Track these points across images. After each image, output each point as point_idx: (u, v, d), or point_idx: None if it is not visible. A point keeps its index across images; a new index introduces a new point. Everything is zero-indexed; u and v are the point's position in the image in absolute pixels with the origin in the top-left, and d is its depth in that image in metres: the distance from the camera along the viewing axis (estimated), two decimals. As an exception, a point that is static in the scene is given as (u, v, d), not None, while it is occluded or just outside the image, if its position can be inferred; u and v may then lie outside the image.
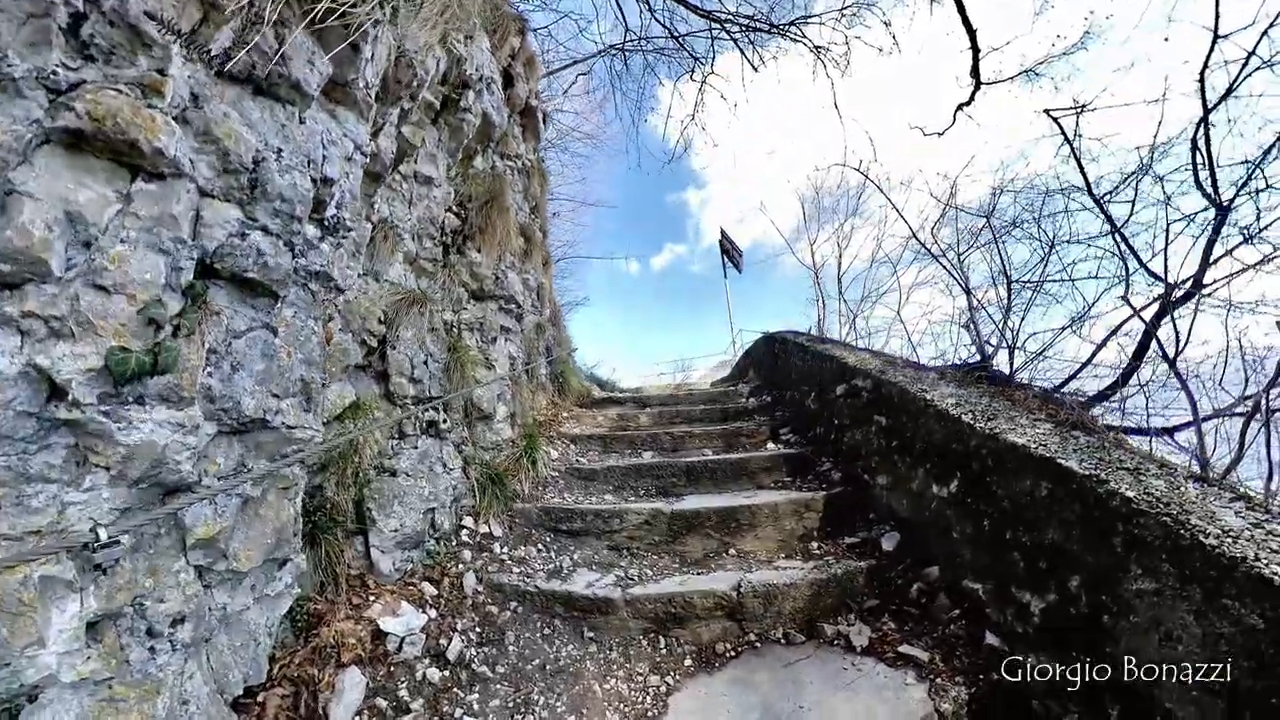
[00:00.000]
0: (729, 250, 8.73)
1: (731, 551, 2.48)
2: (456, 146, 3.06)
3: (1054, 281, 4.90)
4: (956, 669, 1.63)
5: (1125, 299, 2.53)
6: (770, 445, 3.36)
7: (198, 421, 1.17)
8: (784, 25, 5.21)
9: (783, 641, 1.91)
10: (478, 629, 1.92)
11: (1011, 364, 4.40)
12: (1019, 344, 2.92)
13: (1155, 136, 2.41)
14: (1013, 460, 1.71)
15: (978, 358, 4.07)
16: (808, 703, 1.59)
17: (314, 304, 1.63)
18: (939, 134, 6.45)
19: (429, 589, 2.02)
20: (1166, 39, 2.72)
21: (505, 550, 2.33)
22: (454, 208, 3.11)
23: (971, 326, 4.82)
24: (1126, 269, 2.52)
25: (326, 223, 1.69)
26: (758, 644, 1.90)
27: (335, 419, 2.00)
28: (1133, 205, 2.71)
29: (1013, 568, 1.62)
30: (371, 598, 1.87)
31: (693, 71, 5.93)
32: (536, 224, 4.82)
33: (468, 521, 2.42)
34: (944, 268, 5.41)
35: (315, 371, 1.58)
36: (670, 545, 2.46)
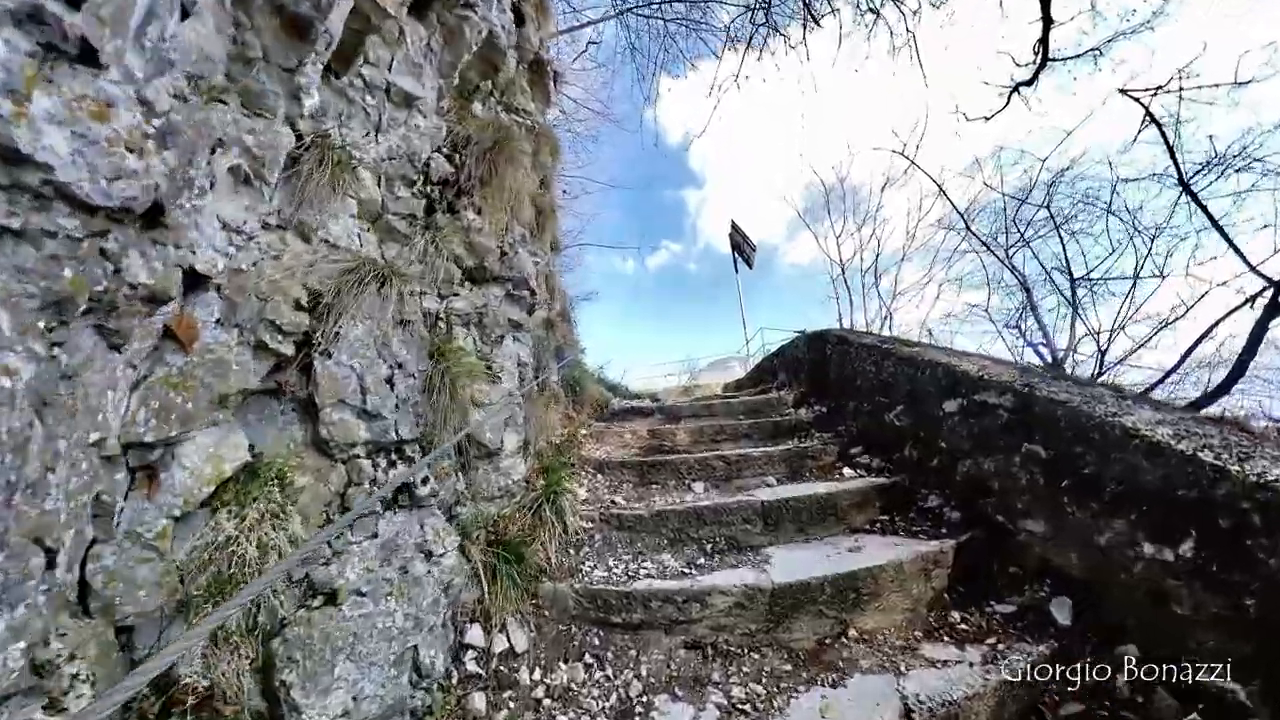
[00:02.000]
0: (740, 244, 7.98)
1: (852, 634, 1.69)
2: (453, 62, 2.08)
3: (1118, 279, 4.44)
4: None
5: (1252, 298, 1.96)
6: (847, 471, 2.62)
7: None
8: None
9: None
10: None
11: (1100, 366, 3.82)
12: (1083, 345, 2.29)
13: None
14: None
15: (1036, 360, 3.37)
16: None
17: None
18: (987, 118, 5.90)
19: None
20: None
21: (538, 676, 1.40)
22: (445, 149, 2.15)
23: (1038, 326, 4.26)
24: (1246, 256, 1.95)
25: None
26: None
27: (201, 505, 1.05)
28: (1239, 196, 2.19)
29: None
30: None
31: (726, 42, 5.07)
32: (546, 199, 3.87)
33: (474, 635, 1.47)
34: (1000, 261, 4.87)
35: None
36: (771, 633, 1.66)
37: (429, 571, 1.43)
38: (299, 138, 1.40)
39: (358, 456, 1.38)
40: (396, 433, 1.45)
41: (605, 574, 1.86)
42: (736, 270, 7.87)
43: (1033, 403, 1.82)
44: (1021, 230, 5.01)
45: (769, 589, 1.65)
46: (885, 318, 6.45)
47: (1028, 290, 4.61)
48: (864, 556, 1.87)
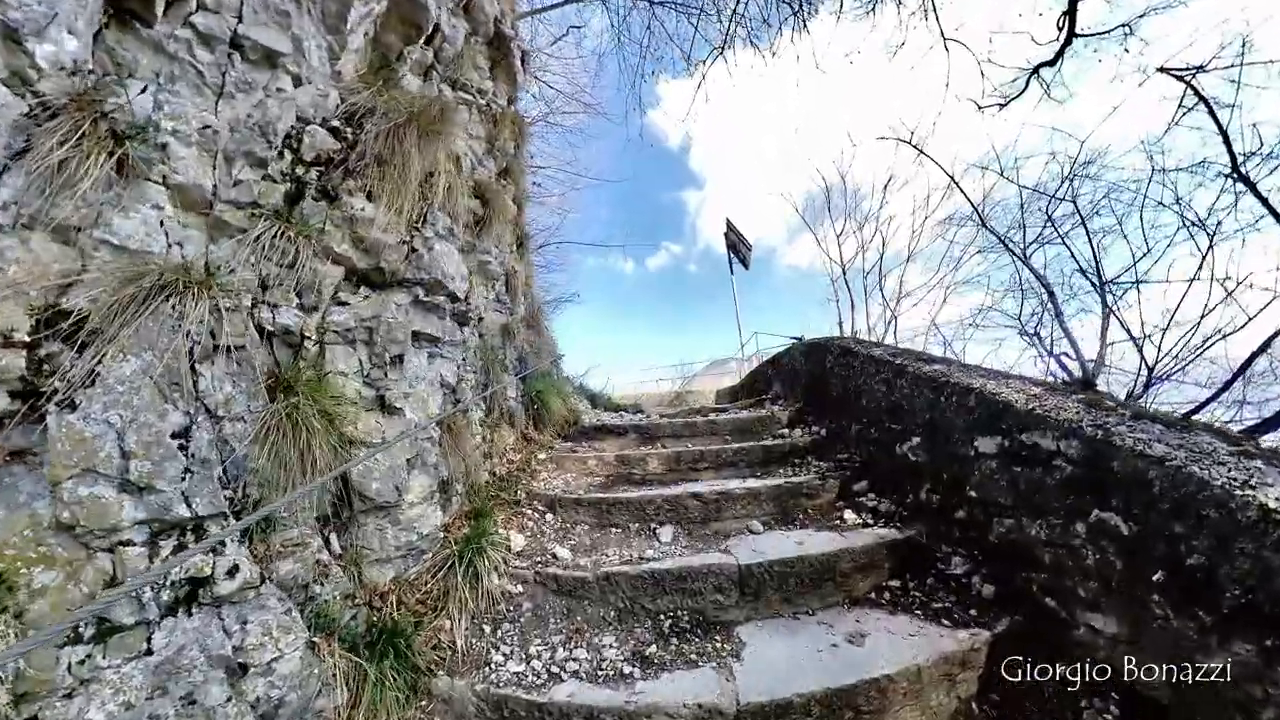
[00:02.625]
0: (736, 244, 7.42)
1: (848, 777, 1.22)
2: (340, 12, 1.63)
3: (1152, 283, 3.77)
4: None
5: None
6: (849, 514, 2.11)
7: None
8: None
9: None
10: None
11: (1148, 381, 3.22)
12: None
13: None
14: None
15: (1061, 374, 2.82)
16: None
17: None
18: (1001, 104, 5.24)
19: None
20: None
21: None
22: (337, 122, 1.69)
23: (1064, 333, 3.63)
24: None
25: None
26: None
27: None
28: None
29: None
30: None
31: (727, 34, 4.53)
32: (508, 190, 3.39)
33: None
34: (1019, 260, 4.24)
35: None
36: (733, 778, 1.19)
37: (235, 695, 0.98)
38: (41, 103, 0.96)
39: (127, 544, 0.94)
40: (190, 507, 1.00)
41: (522, 668, 1.39)
42: (732, 271, 7.31)
43: (1110, 454, 1.28)
44: (1042, 226, 4.36)
45: (731, 714, 1.17)
46: (889, 321, 5.84)
47: (1051, 293, 3.98)
48: (868, 654, 1.37)
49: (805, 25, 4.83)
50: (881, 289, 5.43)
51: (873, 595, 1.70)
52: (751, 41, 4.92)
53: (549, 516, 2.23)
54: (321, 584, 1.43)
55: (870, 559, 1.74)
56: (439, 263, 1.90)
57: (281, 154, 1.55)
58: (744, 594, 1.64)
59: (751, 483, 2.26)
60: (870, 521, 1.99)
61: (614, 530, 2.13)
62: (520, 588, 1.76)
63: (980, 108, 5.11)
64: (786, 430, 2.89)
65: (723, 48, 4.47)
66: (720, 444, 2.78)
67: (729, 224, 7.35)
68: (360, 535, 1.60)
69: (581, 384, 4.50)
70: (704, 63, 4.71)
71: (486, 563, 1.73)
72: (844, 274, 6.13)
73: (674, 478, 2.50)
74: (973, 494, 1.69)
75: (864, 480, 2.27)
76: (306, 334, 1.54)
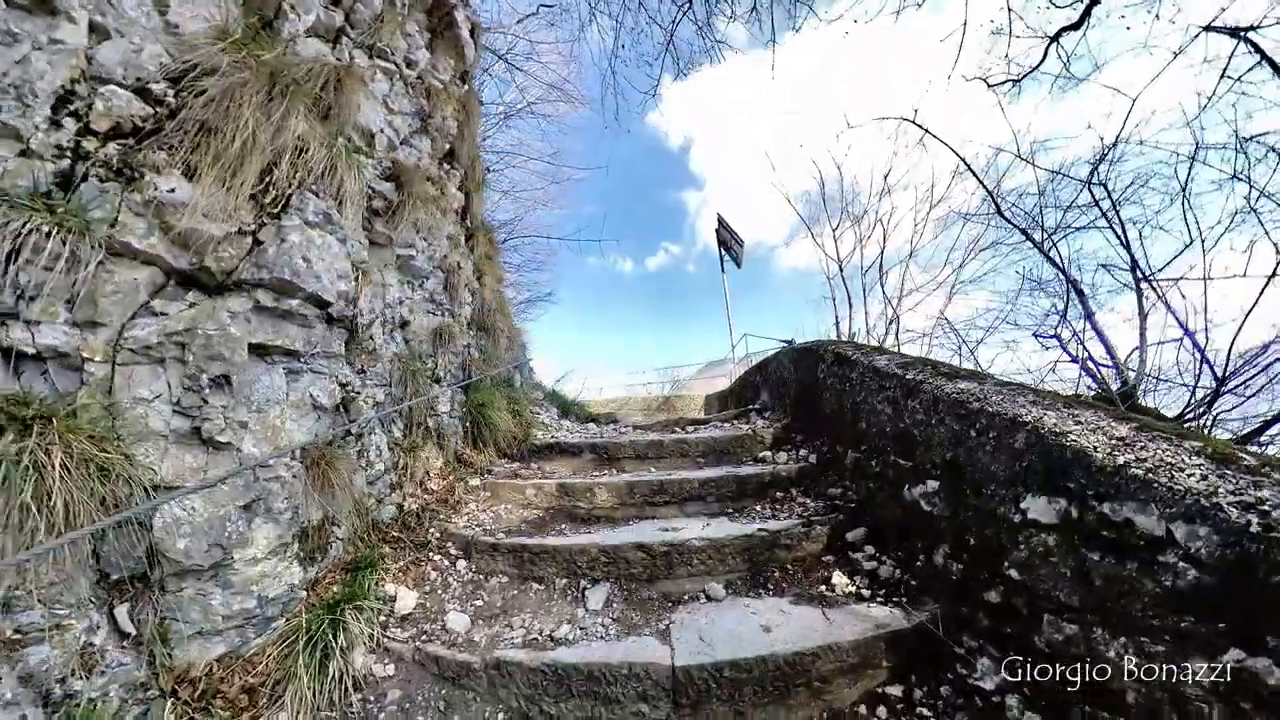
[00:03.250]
0: (727, 241, 6.85)
1: None
2: None
3: (1197, 279, 3.08)
4: None
5: None
6: (838, 579, 1.59)
7: None
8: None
9: None
10: None
11: (1214, 394, 2.64)
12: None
13: None
14: None
15: (1091, 385, 2.23)
16: None
17: None
18: (1016, 80, 4.53)
19: None
20: None
21: None
22: (158, 85, 1.25)
23: (1097, 337, 3.00)
24: None
25: None
26: None
27: None
28: None
29: None
30: None
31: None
32: (451, 177, 2.95)
33: None
34: (1040, 251, 3.58)
35: None
36: None
37: None
38: None
39: None
40: None
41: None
42: (723, 269, 6.72)
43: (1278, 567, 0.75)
44: (1062, 213, 3.65)
45: None
46: (890, 321, 5.18)
47: (1079, 289, 3.30)
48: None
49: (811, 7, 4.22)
50: (883, 285, 4.80)
51: (862, 709, 1.19)
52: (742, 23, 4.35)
53: (461, 565, 1.78)
54: (88, 676, 1.01)
55: (863, 656, 1.23)
56: (295, 258, 1.46)
57: (58, 122, 1.12)
58: (679, 706, 1.16)
59: (717, 529, 1.76)
60: (866, 591, 1.47)
61: (535, 587, 1.66)
62: (392, 668, 1.32)
63: (990, 85, 4.41)
64: (769, 453, 2.37)
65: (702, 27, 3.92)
66: (690, 469, 2.29)
67: (720, 220, 6.78)
68: (174, 604, 1.18)
69: (553, 391, 4.06)
70: (673, 22, 4.15)
71: (347, 636, 1.29)
72: (840, 270, 5.48)
73: (625, 514, 2.02)
74: (1014, 574, 1.16)
75: (861, 527, 1.74)
76: (89, 355, 1.12)
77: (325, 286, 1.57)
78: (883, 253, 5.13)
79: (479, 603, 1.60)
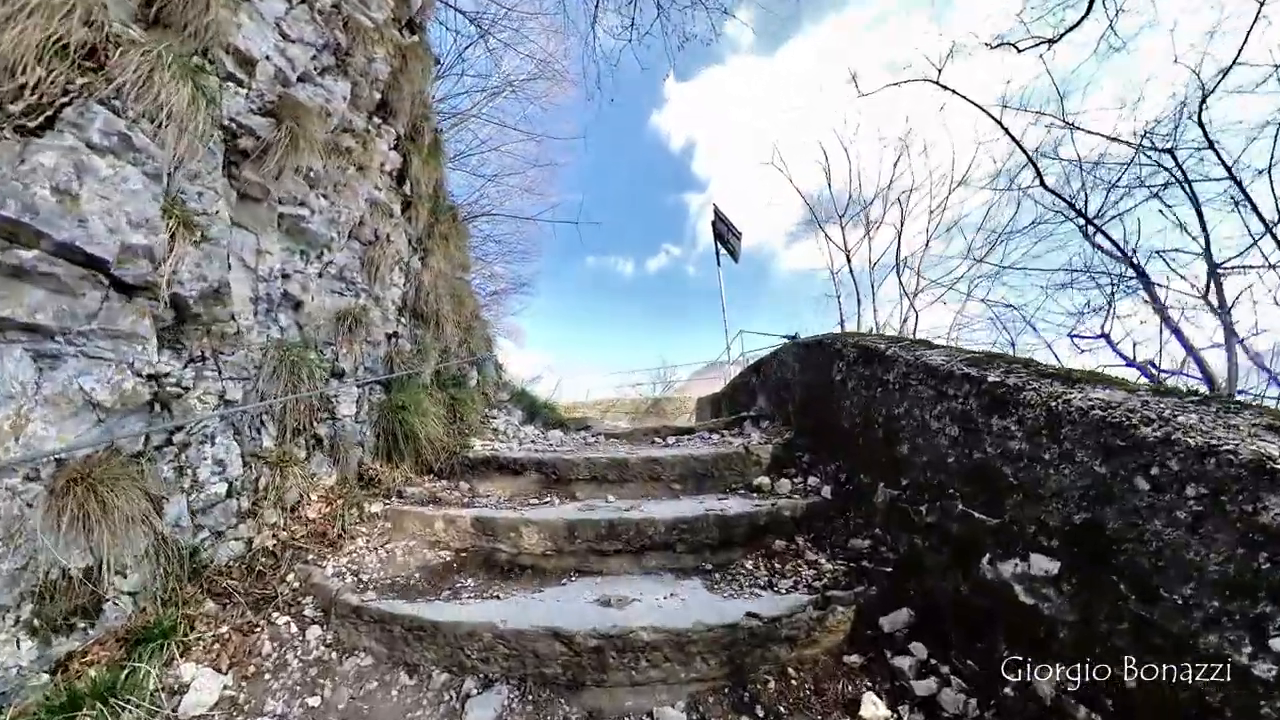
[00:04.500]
0: (724, 234, 6.21)
1: None
2: None
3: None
4: None
5: None
6: (871, 704, 0.97)
7: None
8: None
9: None
10: None
11: None
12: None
13: None
14: None
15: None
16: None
17: None
18: (1052, 41, 3.85)
19: None
20: None
21: None
22: None
23: (1173, 334, 2.33)
24: None
25: None
26: None
27: None
28: None
29: None
30: None
31: None
32: (384, 133, 2.38)
33: None
34: (1085, 234, 2.86)
35: None
36: None
37: None
38: None
39: None
40: None
41: None
42: (719, 263, 6.06)
43: None
44: (1107, 189, 2.93)
45: None
46: (904, 318, 4.47)
47: (1144, 277, 2.60)
48: None
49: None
50: (899, 273, 4.09)
51: None
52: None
53: (312, 634, 1.18)
54: None
55: None
56: (35, 189, 0.89)
57: None
58: None
59: (681, 607, 1.12)
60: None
61: (404, 681, 1.05)
62: None
63: (1020, 50, 3.72)
64: (767, 479, 1.73)
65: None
66: (659, 499, 1.66)
67: (716, 212, 6.14)
68: None
69: (522, 391, 3.46)
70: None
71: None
72: (849, 261, 4.77)
73: (560, 566, 1.39)
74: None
75: (903, 608, 1.10)
76: None
77: (97, 236, 0.99)
78: (899, 239, 4.41)
79: (316, 701, 1.00)
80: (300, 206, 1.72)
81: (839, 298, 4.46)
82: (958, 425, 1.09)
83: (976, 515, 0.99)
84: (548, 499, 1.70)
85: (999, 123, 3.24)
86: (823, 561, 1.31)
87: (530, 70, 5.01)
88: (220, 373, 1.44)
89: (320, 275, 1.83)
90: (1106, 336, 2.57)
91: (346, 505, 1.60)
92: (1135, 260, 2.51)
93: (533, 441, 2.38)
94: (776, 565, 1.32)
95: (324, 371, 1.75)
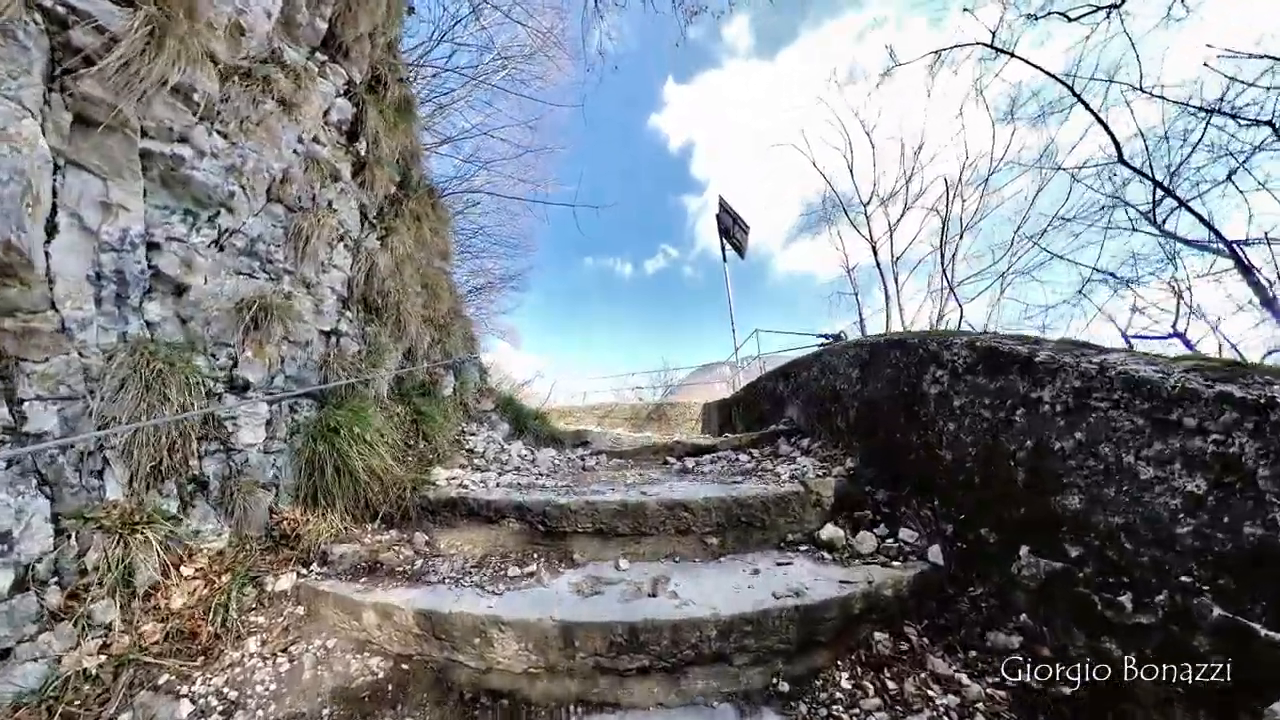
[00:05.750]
0: (729, 227, 5.73)
1: None
2: None
3: None
4: None
5: None
6: None
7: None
8: None
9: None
10: None
11: None
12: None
13: None
14: None
15: None
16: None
17: None
18: (1115, 4, 3.45)
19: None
20: None
21: None
22: None
23: None
24: None
25: None
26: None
27: None
28: None
29: None
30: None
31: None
32: (332, 72, 1.83)
33: None
34: (1185, 210, 2.38)
35: None
36: None
37: None
38: None
39: None
40: None
41: None
42: (724, 258, 5.58)
43: None
44: (1186, 155, 2.51)
45: None
46: (941, 316, 4.01)
47: (1244, 264, 2.22)
48: None
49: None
50: (944, 267, 3.58)
51: None
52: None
53: None
54: None
55: None
56: None
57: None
58: None
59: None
60: None
61: None
62: None
63: (1070, 19, 3.35)
64: (839, 531, 1.24)
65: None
66: (692, 558, 1.16)
67: (722, 204, 5.65)
68: None
69: (509, 399, 2.91)
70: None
71: None
72: (874, 253, 4.27)
73: (551, 697, 0.88)
74: None
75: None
76: None
77: None
78: (945, 226, 3.92)
79: None
80: (180, 144, 1.17)
81: (856, 295, 4.03)
82: (1206, 478, 0.62)
83: (1263, 633, 0.52)
84: (531, 567, 1.17)
85: (1071, 90, 2.80)
86: (961, 677, 0.83)
87: (524, 41, 4.43)
88: (14, 391, 0.89)
89: (217, 247, 1.28)
90: (1181, 335, 2.16)
91: (236, 583, 1.05)
92: (1236, 246, 2.10)
93: (515, 469, 1.85)
94: (890, 685, 0.84)
95: (217, 383, 1.20)
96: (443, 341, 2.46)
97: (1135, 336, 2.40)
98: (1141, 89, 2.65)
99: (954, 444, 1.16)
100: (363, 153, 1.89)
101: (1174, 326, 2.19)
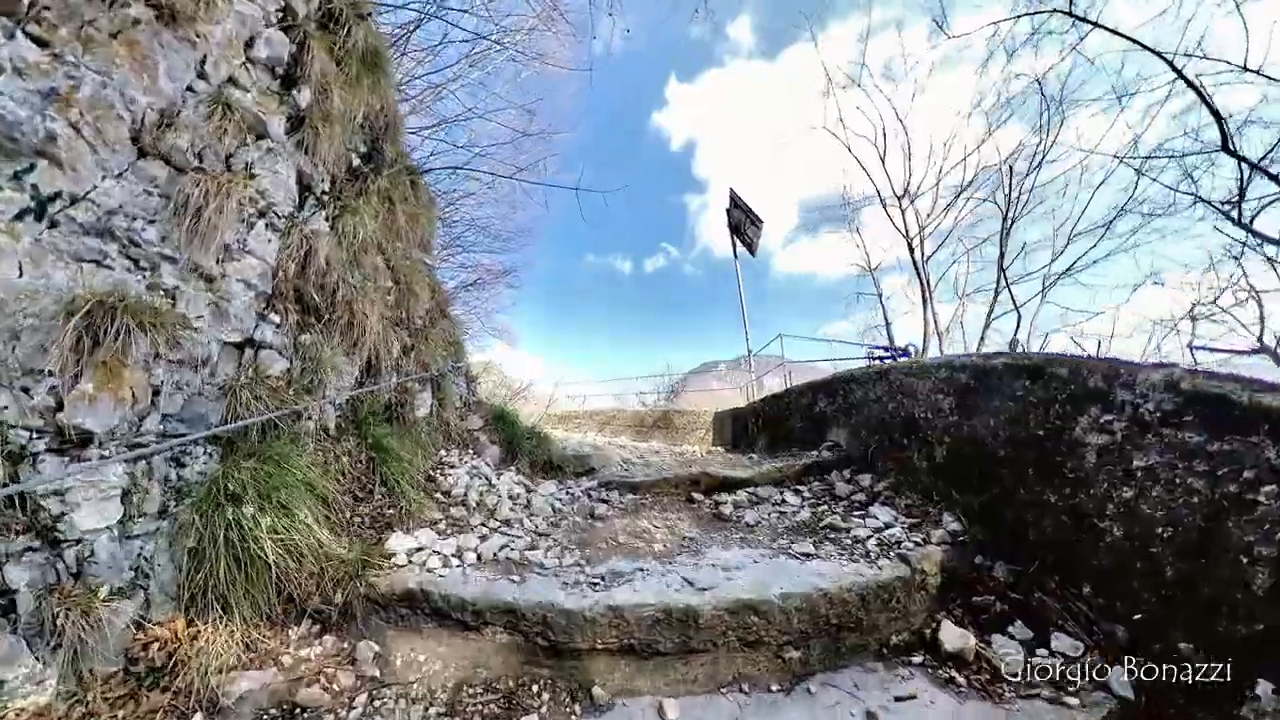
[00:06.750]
0: (740, 223, 5.32)
1: None
2: None
3: None
4: None
5: None
6: None
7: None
8: None
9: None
10: None
11: None
12: None
13: None
14: None
15: None
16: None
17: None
18: None
19: None
20: None
21: None
22: None
23: None
24: None
25: None
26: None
27: None
28: None
29: None
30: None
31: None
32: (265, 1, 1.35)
33: None
34: None
35: None
36: None
37: None
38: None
39: None
40: None
41: None
42: (735, 255, 5.19)
43: None
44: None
45: None
46: (981, 327, 3.47)
47: None
48: None
49: None
50: (1000, 265, 3.01)
51: None
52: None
53: None
54: None
55: None
56: None
57: None
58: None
59: None
60: None
61: None
62: None
63: None
64: (959, 637, 0.87)
65: None
66: (767, 684, 0.79)
67: (733, 197, 5.24)
68: None
69: (501, 412, 2.47)
70: None
71: None
72: (910, 250, 3.87)
73: None
74: None
75: None
76: None
77: None
78: (1007, 218, 3.49)
79: None
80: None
81: (881, 298, 3.63)
82: None
83: None
84: (531, 718, 0.76)
85: (1172, 65, 2.27)
86: None
87: (524, 10, 3.82)
88: None
89: (40, 221, 0.81)
90: (1272, 351, 1.82)
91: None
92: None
93: (504, 523, 1.43)
94: None
95: (32, 437, 0.74)
96: (418, 349, 1.99)
97: (1200, 348, 2.10)
98: (1247, 68, 2.31)
99: (1128, 517, 0.81)
100: (304, 105, 1.40)
101: (1260, 339, 1.88)
